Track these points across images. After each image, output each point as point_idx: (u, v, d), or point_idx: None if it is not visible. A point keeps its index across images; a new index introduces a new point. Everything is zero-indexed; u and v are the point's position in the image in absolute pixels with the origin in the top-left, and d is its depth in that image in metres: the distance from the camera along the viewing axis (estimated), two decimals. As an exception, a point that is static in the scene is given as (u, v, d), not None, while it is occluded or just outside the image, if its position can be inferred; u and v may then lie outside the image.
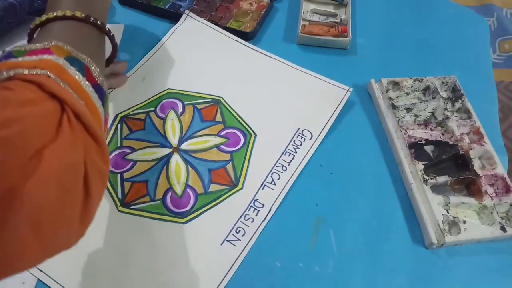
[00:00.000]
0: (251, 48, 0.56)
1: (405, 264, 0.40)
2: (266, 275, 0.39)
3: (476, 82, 0.55)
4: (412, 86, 0.51)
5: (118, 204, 0.43)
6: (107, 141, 0.46)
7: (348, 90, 0.52)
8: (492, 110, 0.53)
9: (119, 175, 0.45)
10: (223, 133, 0.48)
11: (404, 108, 0.50)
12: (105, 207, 0.43)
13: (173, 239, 0.41)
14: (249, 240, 0.41)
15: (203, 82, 0.53)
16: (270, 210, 0.43)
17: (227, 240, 0.41)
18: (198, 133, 0.48)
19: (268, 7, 0.61)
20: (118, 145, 0.47)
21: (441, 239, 0.40)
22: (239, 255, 0.40)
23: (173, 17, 0.61)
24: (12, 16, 0.55)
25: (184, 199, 0.43)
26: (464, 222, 0.41)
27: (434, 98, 0.51)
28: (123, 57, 0.56)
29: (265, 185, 0.44)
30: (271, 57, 0.55)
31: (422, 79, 0.52)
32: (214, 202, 0.43)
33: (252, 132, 0.48)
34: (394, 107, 0.50)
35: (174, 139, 0.48)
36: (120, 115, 0.50)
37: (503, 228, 0.41)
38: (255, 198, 0.43)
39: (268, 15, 0.62)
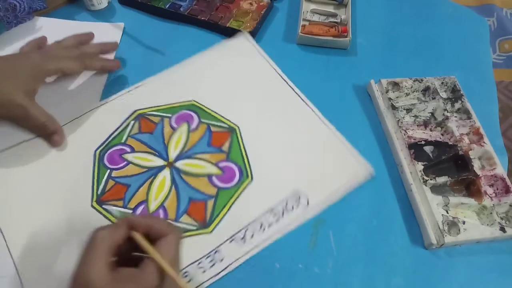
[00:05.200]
0: (291, 87, 0.52)
1: (404, 265, 0.40)
2: (265, 276, 0.39)
3: (476, 82, 0.55)
4: (411, 87, 0.51)
5: (94, 198, 0.43)
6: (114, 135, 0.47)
7: (370, 173, 0.45)
8: (492, 110, 0.53)
9: (108, 170, 0.45)
10: (221, 164, 0.46)
11: (404, 109, 0.50)
12: (82, 197, 0.43)
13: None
14: None
15: (227, 104, 0.51)
16: (227, 267, 0.39)
17: None
18: (198, 155, 0.46)
19: (268, 7, 0.61)
20: (122, 141, 0.47)
21: (441, 240, 0.40)
22: None
23: (173, 16, 0.61)
24: (12, 16, 0.55)
25: None
26: (464, 222, 0.41)
27: (433, 98, 0.50)
28: (123, 57, 0.56)
29: (233, 239, 0.41)
30: (307, 105, 0.51)
31: (421, 80, 0.52)
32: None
33: (249, 175, 0.45)
34: (393, 107, 0.50)
35: (173, 153, 0.46)
36: (138, 112, 0.50)
37: (502, 229, 0.41)
38: (216, 249, 0.40)
39: (268, 15, 0.62)
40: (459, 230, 0.40)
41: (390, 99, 0.50)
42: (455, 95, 0.51)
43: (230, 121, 0.49)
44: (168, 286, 0.30)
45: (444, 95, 0.51)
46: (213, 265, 0.39)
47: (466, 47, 0.60)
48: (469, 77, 0.53)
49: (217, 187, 0.44)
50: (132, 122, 0.49)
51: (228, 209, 0.43)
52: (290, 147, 0.48)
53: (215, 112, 0.50)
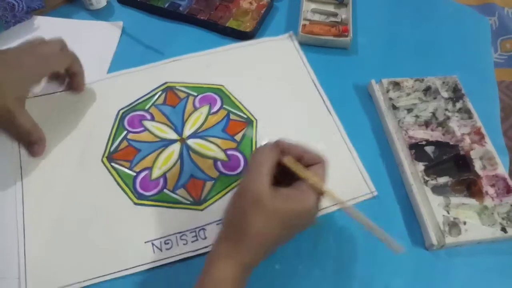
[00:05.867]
0: (319, 94, 0.52)
1: (405, 266, 0.40)
2: (265, 278, 0.39)
3: (477, 82, 0.54)
4: (412, 87, 0.51)
5: (105, 154, 0.46)
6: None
7: (372, 193, 0.44)
8: (493, 110, 0.52)
9: (125, 132, 0.48)
10: (230, 152, 0.47)
11: (405, 109, 0.49)
12: (96, 151, 0.47)
13: (122, 216, 0.42)
14: (165, 258, 0.40)
15: (253, 96, 0.52)
16: (207, 247, 0.40)
17: (152, 242, 0.41)
18: (211, 139, 0.48)
19: (268, 6, 0.61)
20: (146, 108, 0.50)
21: (442, 240, 0.40)
22: (157, 260, 0.40)
23: (172, 16, 0.60)
24: (11, 15, 0.55)
25: (152, 184, 0.45)
26: (465, 223, 0.41)
27: (435, 98, 0.50)
28: (123, 57, 0.56)
29: (221, 223, 0.41)
30: (330, 113, 0.50)
31: (422, 79, 0.51)
32: (171, 205, 0.43)
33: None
34: (394, 107, 0.49)
35: (188, 130, 0.49)
36: (168, 84, 0.52)
37: (504, 229, 0.41)
38: (203, 227, 0.42)
39: (268, 14, 0.61)
40: (460, 230, 0.40)
41: (391, 99, 0.50)
42: (456, 95, 0.50)
43: (250, 112, 0.51)
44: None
45: (445, 95, 0.51)
46: (196, 240, 0.41)
47: (467, 46, 0.59)
48: (470, 77, 0.53)
49: (220, 172, 0.46)
50: (160, 92, 0.52)
51: (224, 194, 0.44)
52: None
53: (238, 101, 0.51)
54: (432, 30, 0.61)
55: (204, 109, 0.50)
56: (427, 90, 0.51)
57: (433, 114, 0.49)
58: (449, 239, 0.39)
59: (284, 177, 0.35)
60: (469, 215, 0.42)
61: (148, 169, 0.45)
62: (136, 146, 0.47)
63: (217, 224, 0.42)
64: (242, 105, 0.51)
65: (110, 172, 0.45)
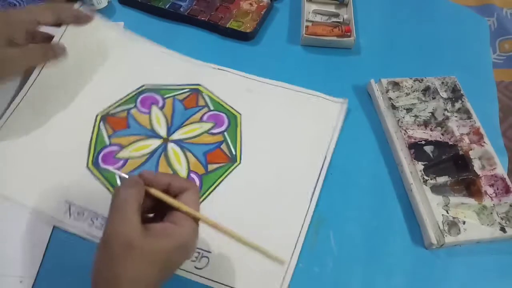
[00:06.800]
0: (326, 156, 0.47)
1: (404, 265, 0.40)
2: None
3: (476, 82, 0.55)
4: (412, 87, 0.51)
5: (105, 113, 0.45)
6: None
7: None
8: (492, 110, 0.53)
9: (133, 105, 0.48)
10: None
11: (404, 109, 0.50)
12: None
13: None
14: None
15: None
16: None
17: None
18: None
19: (268, 7, 0.61)
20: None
21: (441, 240, 0.40)
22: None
23: (172, 17, 0.60)
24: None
25: (113, 160, 0.45)
26: (464, 222, 0.41)
27: (434, 98, 0.50)
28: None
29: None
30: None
31: (422, 80, 0.52)
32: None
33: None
34: (394, 107, 0.49)
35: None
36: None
37: (502, 229, 0.41)
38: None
39: (268, 15, 0.62)
40: (459, 230, 0.40)
41: (390, 99, 0.50)
42: (455, 95, 0.51)
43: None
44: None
45: (444, 95, 0.51)
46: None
47: (466, 47, 0.60)
48: (469, 77, 0.53)
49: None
50: (188, 90, 0.52)
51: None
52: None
53: (241, 136, 0.49)
54: (431, 31, 0.61)
55: (206, 126, 0.49)
56: (426, 90, 0.51)
57: (432, 114, 0.50)
58: (448, 239, 0.40)
59: (158, 209, 0.32)
60: (468, 215, 0.43)
61: (119, 147, 0.46)
62: (130, 122, 0.48)
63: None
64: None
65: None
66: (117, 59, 0.53)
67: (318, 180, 0.45)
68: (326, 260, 0.40)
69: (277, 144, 0.48)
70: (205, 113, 0.50)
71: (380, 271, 0.40)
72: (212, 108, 0.50)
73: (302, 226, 0.41)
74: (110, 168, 0.44)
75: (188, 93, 0.51)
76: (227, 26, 0.58)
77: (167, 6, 0.61)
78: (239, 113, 0.50)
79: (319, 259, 0.40)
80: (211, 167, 0.45)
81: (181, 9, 0.61)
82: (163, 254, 0.29)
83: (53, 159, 0.45)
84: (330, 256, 0.40)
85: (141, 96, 0.50)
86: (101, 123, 0.48)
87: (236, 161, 0.46)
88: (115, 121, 0.48)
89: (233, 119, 0.49)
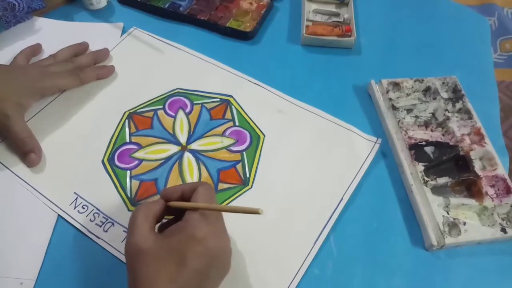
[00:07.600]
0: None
1: (405, 266, 0.40)
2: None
3: (477, 82, 0.54)
4: (412, 87, 0.51)
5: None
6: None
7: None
8: (493, 110, 0.52)
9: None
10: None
11: (405, 109, 0.49)
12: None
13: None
14: None
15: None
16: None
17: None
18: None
19: (268, 6, 0.61)
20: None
21: (441, 241, 0.40)
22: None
23: (172, 16, 0.60)
24: (11, 15, 0.55)
25: (128, 159, 0.45)
26: (465, 223, 0.41)
27: (434, 98, 0.50)
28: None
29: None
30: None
31: (422, 80, 0.51)
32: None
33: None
34: (394, 108, 0.49)
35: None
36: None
37: (503, 230, 0.41)
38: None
39: (268, 14, 0.61)
40: (460, 231, 0.40)
41: (390, 99, 0.50)
42: (456, 95, 0.51)
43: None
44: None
45: (445, 95, 0.51)
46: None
47: (467, 47, 0.60)
48: (470, 77, 0.53)
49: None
50: (219, 100, 0.51)
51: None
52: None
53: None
54: (431, 31, 0.61)
55: (227, 141, 0.47)
56: (426, 90, 0.51)
57: (433, 114, 0.49)
58: (449, 240, 0.40)
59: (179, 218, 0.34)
60: (468, 216, 0.42)
61: (138, 146, 0.46)
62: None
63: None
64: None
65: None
66: (155, 63, 0.54)
67: (328, 221, 0.41)
68: (326, 262, 0.40)
69: (295, 176, 0.45)
70: (229, 127, 0.48)
71: (380, 273, 0.40)
72: (237, 123, 0.49)
73: (302, 264, 0.39)
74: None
75: (218, 103, 0.50)
76: (227, 26, 0.58)
77: (166, 6, 0.61)
78: (263, 134, 0.48)
79: (319, 260, 0.40)
80: (221, 186, 0.44)
81: (181, 9, 0.61)
82: (172, 248, 0.31)
83: (73, 148, 0.46)
84: (330, 258, 0.40)
85: (170, 99, 0.51)
86: (127, 120, 0.49)
87: (248, 184, 0.44)
88: (140, 120, 0.49)
89: (256, 139, 0.47)
